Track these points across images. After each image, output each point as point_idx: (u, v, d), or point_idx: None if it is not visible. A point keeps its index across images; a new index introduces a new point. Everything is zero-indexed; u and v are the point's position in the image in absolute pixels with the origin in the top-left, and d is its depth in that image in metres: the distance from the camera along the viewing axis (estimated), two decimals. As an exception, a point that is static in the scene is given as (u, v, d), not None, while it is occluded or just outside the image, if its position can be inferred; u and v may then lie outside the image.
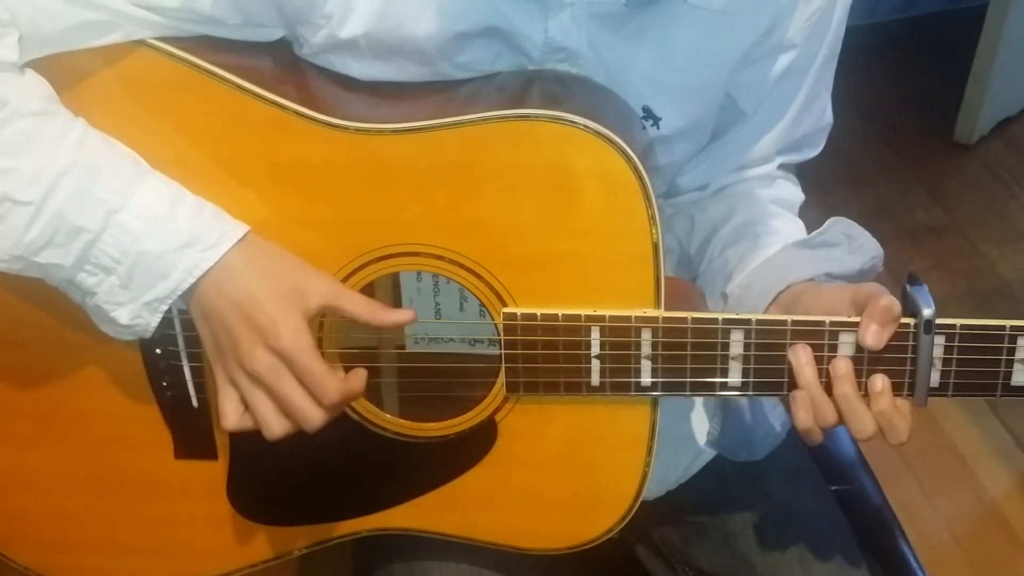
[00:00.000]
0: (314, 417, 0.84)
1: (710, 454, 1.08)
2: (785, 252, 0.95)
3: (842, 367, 0.84)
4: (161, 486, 0.98)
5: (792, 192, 1.06)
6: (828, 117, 1.04)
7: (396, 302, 0.98)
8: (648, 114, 0.93)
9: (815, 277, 0.92)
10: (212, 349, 0.86)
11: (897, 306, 0.83)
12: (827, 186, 2.55)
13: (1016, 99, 2.77)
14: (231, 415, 0.85)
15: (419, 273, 0.97)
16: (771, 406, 1.01)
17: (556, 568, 1.03)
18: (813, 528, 1.04)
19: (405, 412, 0.95)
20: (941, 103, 2.74)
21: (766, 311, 0.92)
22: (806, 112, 1.01)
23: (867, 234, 0.94)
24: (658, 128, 0.93)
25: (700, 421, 1.07)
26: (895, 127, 2.78)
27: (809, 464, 1.11)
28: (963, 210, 2.57)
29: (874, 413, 0.84)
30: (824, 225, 0.94)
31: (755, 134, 1.01)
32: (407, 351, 1.01)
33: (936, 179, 2.65)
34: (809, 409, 0.84)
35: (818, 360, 0.85)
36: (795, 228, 1.01)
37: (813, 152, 1.06)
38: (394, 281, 0.97)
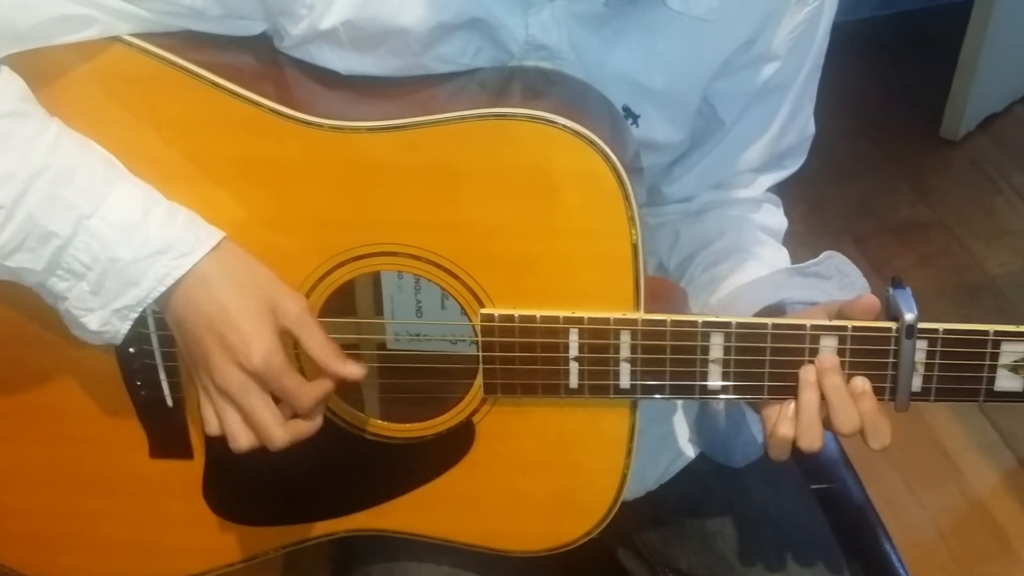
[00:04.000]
0: (278, 437, 0.84)
1: (691, 455, 1.07)
2: (778, 275, 0.96)
3: (829, 359, 0.84)
4: (137, 485, 0.97)
5: (778, 220, 1.07)
6: (811, 128, 1.04)
7: (377, 300, 0.97)
8: (628, 113, 0.92)
9: (801, 304, 0.92)
10: (187, 357, 0.86)
11: (876, 304, 0.84)
12: (813, 182, 2.54)
13: (1002, 95, 2.77)
14: (211, 421, 0.85)
15: (400, 272, 0.96)
16: (753, 416, 1.01)
17: (537, 570, 1.02)
18: (792, 528, 1.04)
19: (386, 411, 0.95)
20: (927, 99, 2.74)
21: None
22: (790, 124, 1.01)
23: (858, 272, 0.94)
24: (637, 126, 0.92)
25: (681, 424, 1.07)
26: (881, 123, 2.77)
27: (789, 465, 1.10)
28: (949, 206, 2.57)
29: (858, 414, 0.84)
30: (820, 256, 0.94)
31: (738, 146, 1.01)
32: (388, 350, 1.00)
33: (922, 175, 2.65)
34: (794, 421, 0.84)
35: (798, 364, 0.85)
36: (780, 257, 1.02)
37: (796, 165, 1.06)
38: (375, 279, 0.96)
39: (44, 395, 0.94)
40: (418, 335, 1.00)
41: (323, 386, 0.85)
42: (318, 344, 0.84)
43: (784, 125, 1.00)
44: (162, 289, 0.82)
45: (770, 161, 1.03)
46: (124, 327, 0.83)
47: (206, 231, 0.83)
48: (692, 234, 1.04)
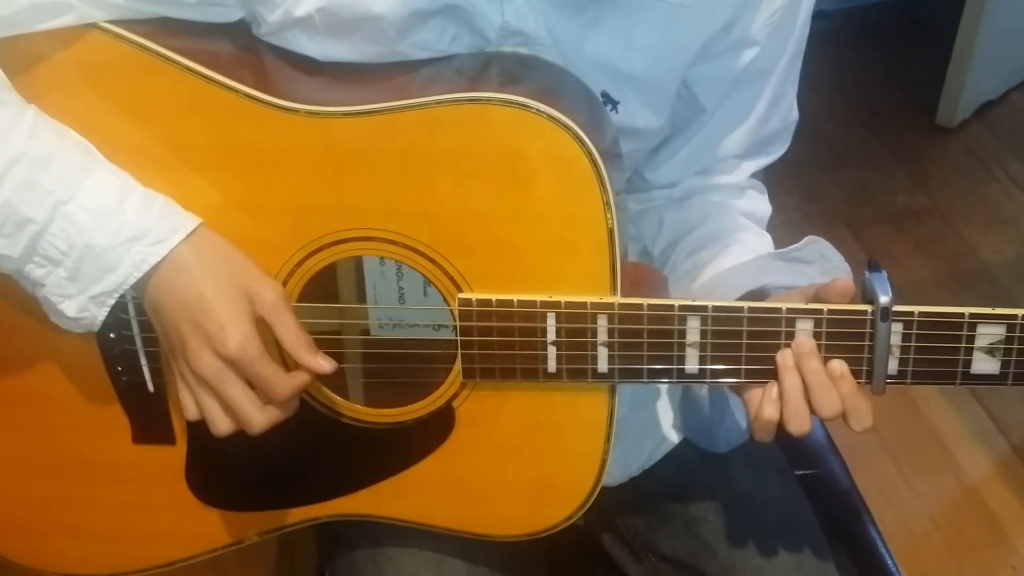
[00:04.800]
0: (256, 421, 0.84)
1: (674, 440, 1.07)
2: (760, 260, 0.96)
3: (806, 343, 0.84)
4: (120, 471, 0.98)
5: (762, 205, 1.06)
6: (794, 114, 1.04)
7: (360, 286, 0.97)
8: (607, 99, 0.92)
9: (783, 288, 0.92)
10: (164, 343, 0.86)
11: (851, 288, 0.84)
12: (808, 170, 2.54)
13: (997, 82, 2.77)
14: (189, 407, 0.86)
15: (380, 257, 0.96)
16: (737, 402, 1.01)
17: (520, 555, 1.03)
18: (776, 513, 1.05)
19: (370, 398, 0.95)
20: (923, 86, 2.74)
21: None
22: (773, 111, 1.01)
23: (840, 257, 0.93)
24: (616, 112, 0.92)
25: (665, 409, 1.07)
26: (876, 110, 2.77)
27: (773, 450, 1.11)
28: (945, 194, 2.57)
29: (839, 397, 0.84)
30: (801, 242, 0.94)
31: (721, 132, 1.01)
32: (371, 336, 1.00)
33: (918, 163, 2.65)
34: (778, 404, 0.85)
35: (775, 348, 0.85)
36: (764, 243, 1.02)
37: (780, 151, 1.06)
38: (357, 265, 0.96)
39: (25, 382, 0.95)
40: (401, 322, 1.00)
41: (300, 378, 0.85)
42: (291, 335, 0.85)
43: (766, 111, 1.00)
44: (138, 275, 0.82)
45: (753, 147, 1.03)
46: (101, 313, 0.84)
47: (182, 218, 0.83)
48: (676, 220, 1.04)
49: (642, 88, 0.92)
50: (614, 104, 0.92)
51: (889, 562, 1.17)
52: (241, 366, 0.83)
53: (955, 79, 2.65)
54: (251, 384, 0.84)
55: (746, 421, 0.99)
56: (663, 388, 1.08)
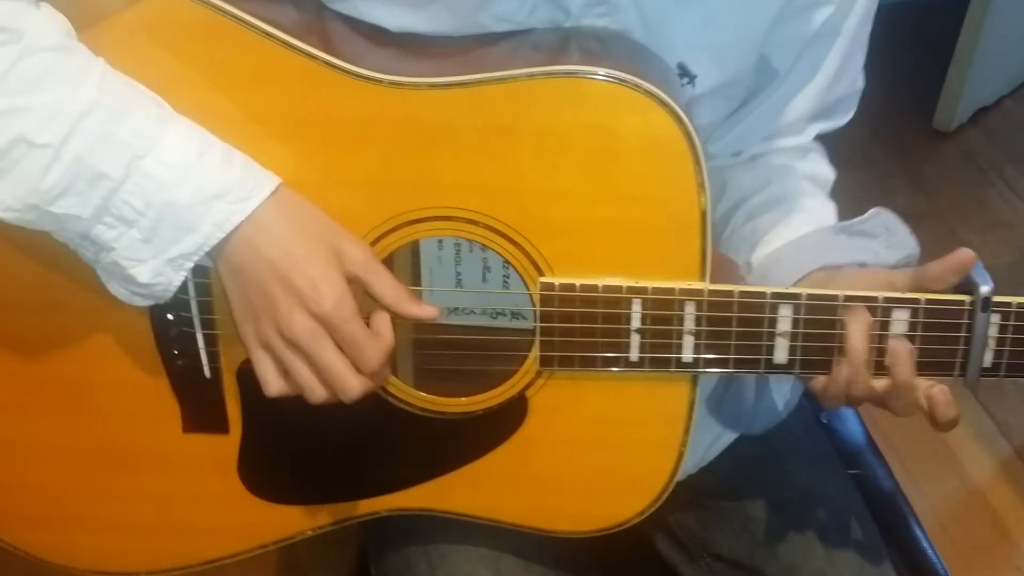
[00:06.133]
0: (353, 387, 0.79)
1: (729, 437, 1.04)
2: (822, 234, 0.93)
3: (903, 349, 0.81)
4: (166, 461, 0.92)
5: (825, 169, 1.04)
6: (861, 81, 1.02)
7: (415, 270, 0.93)
8: (684, 71, 0.89)
9: (847, 265, 0.90)
10: (242, 309, 0.80)
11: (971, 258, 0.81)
12: (808, 171, 2.53)
13: (993, 88, 2.78)
14: (272, 381, 0.80)
15: (440, 240, 0.92)
16: (777, 383, 0.98)
17: (574, 555, 0.99)
18: (834, 514, 1.02)
19: (419, 386, 0.91)
20: (920, 91, 2.74)
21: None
22: (842, 73, 0.98)
23: (906, 230, 0.91)
24: (694, 86, 0.89)
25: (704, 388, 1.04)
26: (875, 113, 2.75)
27: (827, 448, 1.08)
28: (942, 197, 2.57)
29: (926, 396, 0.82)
30: (867, 214, 0.91)
31: (789, 95, 0.98)
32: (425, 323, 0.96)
33: (916, 166, 2.65)
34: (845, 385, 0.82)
35: (872, 337, 0.82)
36: (827, 210, 0.99)
37: (844, 118, 1.03)
38: (413, 248, 0.92)
39: (69, 365, 0.89)
40: (457, 308, 0.96)
41: (389, 340, 0.80)
42: (391, 288, 0.80)
43: (836, 73, 0.97)
44: (220, 235, 0.76)
45: (821, 111, 1.00)
46: (178, 278, 0.78)
47: (264, 175, 0.78)
48: (738, 183, 1.00)
49: (723, 56, 0.89)
50: (691, 77, 0.89)
51: (939, 567, 1.15)
52: (336, 326, 0.77)
53: (954, 84, 2.66)
54: (342, 349, 0.79)
55: (781, 403, 0.96)
56: (709, 382, 1.05)
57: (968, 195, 2.59)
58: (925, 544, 1.18)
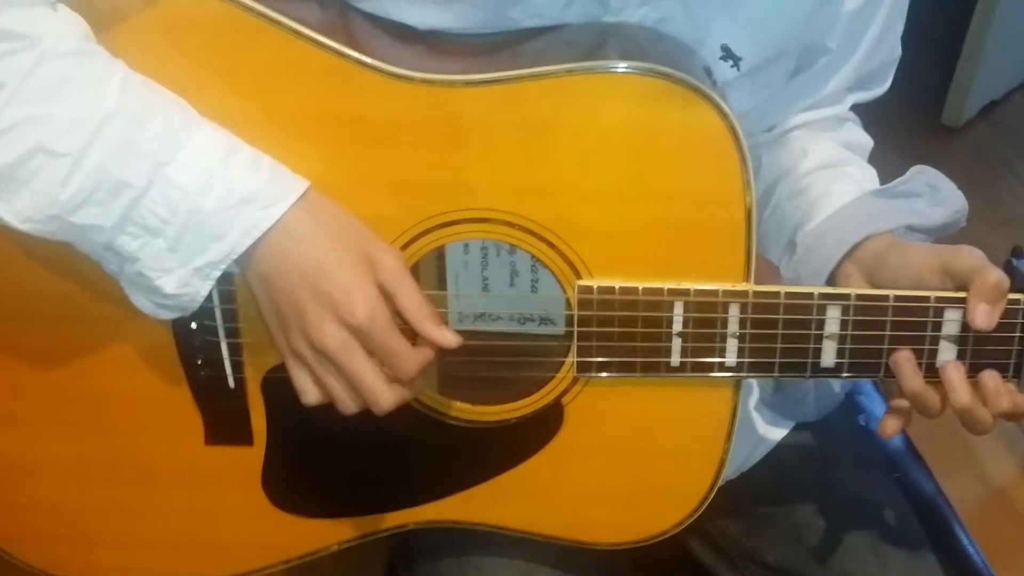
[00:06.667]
0: (385, 400, 0.76)
1: (771, 442, 1.01)
2: (863, 201, 0.89)
3: (954, 375, 0.79)
4: (187, 474, 0.89)
5: (862, 136, 1.01)
6: (898, 51, 0.99)
7: (440, 275, 0.91)
8: (728, 54, 0.85)
9: (895, 230, 0.87)
10: (274, 319, 0.77)
11: (1006, 281, 0.78)
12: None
13: (1001, 83, 2.78)
14: (310, 391, 0.77)
15: (467, 243, 0.89)
16: None
17: (611, 564, 0.96)
18: (883, 520, 0.99)
19: (444, 394, 0.87)
20: (928, 86, 2.72)
21: (840, 265, 0.86)
22: (882, 41, 0.96)
23: (952, 185, 0.88)
24: (738, 69, 0.86)
25: (760, 409, 1.01)
26: (883, 110, 2.73)
27: (872, 450, 1.05)
28: (953, 193, 2.55)
29: (995, 415, 0.79)
30: (907, 174, 0.89)
31: (831, 68, 0.95)
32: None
33: (925, 162, 2.61)
34: (906, 420, 0.81)
35: (920, 340, 0.79)
36: (869, 175, 0.96)
37: (881, 89, 1.01)
38: (439, 252, 0.89)
39: (87, 377, 0.86)
40: (483, 314, 0.93)
41: (427, 353, 0.77)
42: (415, 304, 0.76)
43: (876, 41, 0.95)
44: (248, 242, 0.73)
45: (859, 81, 0.98)
46: (205, 287, 0.75)
47: (292, 179, 0.75)
48: (775, 160, 0.97)
49: (768, 38, 0.86)
50: (736, 60, 0.85)
51: (986, 573, 1.11)
52: (368, 337, 0.74)
53: (963, 79, 2.65)
54: (377, 359, 0.76)
55: (838, 384, 0.93)
56: (755, 384, 1.02)
57: (978, 190, 2.55)
58: (971, 550, 1.15)
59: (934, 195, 0.88)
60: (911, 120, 2.73)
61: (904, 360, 0.79)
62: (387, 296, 0.76)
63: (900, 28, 0.97)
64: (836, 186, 0.92)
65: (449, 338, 0.77)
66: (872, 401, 1.15)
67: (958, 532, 1.13)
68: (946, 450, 2.02)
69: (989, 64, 2.61)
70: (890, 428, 0.83)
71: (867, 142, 1.01)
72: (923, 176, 0.88)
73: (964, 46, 2.61)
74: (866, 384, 1.14)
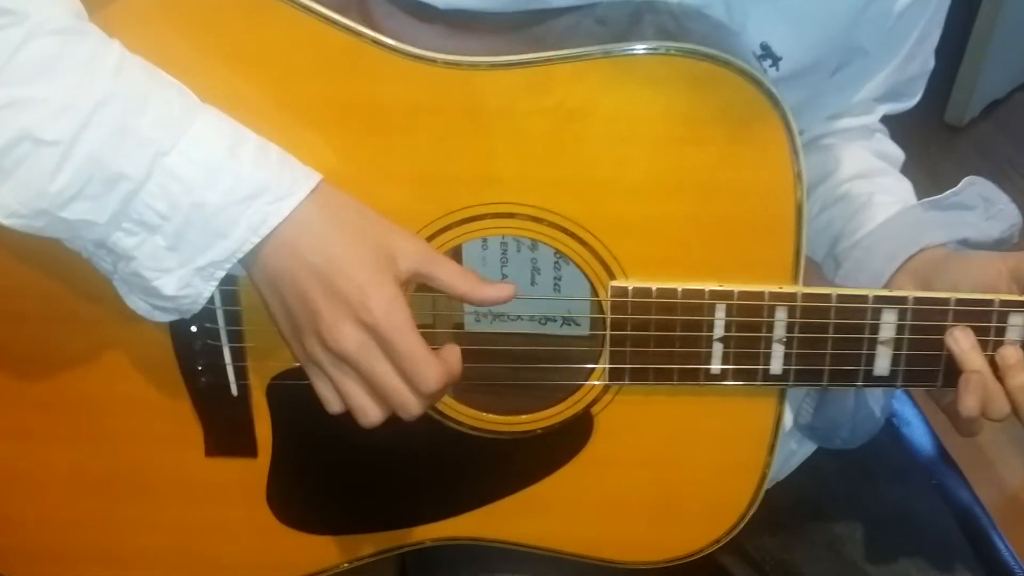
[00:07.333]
0: (413, 404, 0.69)
1: (807, 451, 0.96)
2: (913, 212, 0.85)
3: (1012, 355, 0.74)
4: (187, 488, 0.83)
5: (895, 147, 0.97)
6: (931, 62, 0.95)
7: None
8: (767, 52, 0.80)
9: (947, 244, 0.82)
10: (285, 322, 0.70)
11: None
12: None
13: (1004, 82, 2.76)
14: (332, 399, 0.71)
15: (485, 240, 0.83)
16: (873, 390, 0.89)
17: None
18: (926, 532, 0.93)
19: (460, 401, 0.82)
20: (932, 85, 2.67)
21: (892, 278, 0.82)
22: (917, 50, 0.92)
23: (1006, 198, 0.84)
24: (777, 69, 0.81)
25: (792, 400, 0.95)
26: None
27: (914, 460, 1.00)
28: (957, 192, 2.53)
29: None
30: (959, 185, 0.84)
31: (866, 72, 0.91)
32: (466, 331, 0.87)
33: (930, 161, 2.60)
34: (980, 396, 0.73)
35: (983, 345, 0.74)
36: (905, 187, 0.92)
37: (911, 101, 0.97)
38: (455, 249, 0.83)
39: (80, 384, 0.80)
40: (502, 315, 0.87)
41: (453, 358, 0.70)
42: (459, 276, 0.70)
43: (912, 50, 0.91)
44: (256, 240, 0.67)
45: (890, 91, 0.94)
46: (208, 289, 0.69)
47: (302, 171, 0.69)
48: (809, 165, 0.92)
49: (811, 39, 0.81)
50: (775, 60, 0.80)
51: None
52: (388, 337, 0.68)
53: (967, 78, 2.63)
54: (395, 364, 0.69)
55: (879, 409, 0.88)
56: (798, 393, 0.96)
57: (984, 190, 2.54)
58: (1009, 557, 1.10)
59: (988, 208, 0.83)
60: (914, 119, 2.68)
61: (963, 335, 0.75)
62: (423, 280, 0.71)
63: (936, 38, 0.94)
64: (876, 197, 0.88)
65: (506, 289, 0.72)
66: (903, 405, 1.11)
67: (997, 542, 1.09)
68: (958, 454, 1.98)
69: (993, 63, 2.59)
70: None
71: (899, 154, 0.98)
72: (975, 187, 0.84)
73: (968, 45, 2.60)
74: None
